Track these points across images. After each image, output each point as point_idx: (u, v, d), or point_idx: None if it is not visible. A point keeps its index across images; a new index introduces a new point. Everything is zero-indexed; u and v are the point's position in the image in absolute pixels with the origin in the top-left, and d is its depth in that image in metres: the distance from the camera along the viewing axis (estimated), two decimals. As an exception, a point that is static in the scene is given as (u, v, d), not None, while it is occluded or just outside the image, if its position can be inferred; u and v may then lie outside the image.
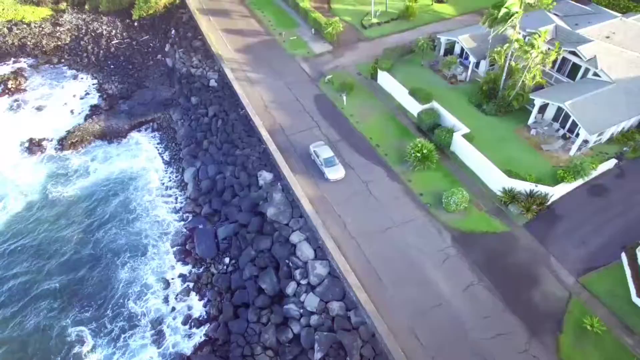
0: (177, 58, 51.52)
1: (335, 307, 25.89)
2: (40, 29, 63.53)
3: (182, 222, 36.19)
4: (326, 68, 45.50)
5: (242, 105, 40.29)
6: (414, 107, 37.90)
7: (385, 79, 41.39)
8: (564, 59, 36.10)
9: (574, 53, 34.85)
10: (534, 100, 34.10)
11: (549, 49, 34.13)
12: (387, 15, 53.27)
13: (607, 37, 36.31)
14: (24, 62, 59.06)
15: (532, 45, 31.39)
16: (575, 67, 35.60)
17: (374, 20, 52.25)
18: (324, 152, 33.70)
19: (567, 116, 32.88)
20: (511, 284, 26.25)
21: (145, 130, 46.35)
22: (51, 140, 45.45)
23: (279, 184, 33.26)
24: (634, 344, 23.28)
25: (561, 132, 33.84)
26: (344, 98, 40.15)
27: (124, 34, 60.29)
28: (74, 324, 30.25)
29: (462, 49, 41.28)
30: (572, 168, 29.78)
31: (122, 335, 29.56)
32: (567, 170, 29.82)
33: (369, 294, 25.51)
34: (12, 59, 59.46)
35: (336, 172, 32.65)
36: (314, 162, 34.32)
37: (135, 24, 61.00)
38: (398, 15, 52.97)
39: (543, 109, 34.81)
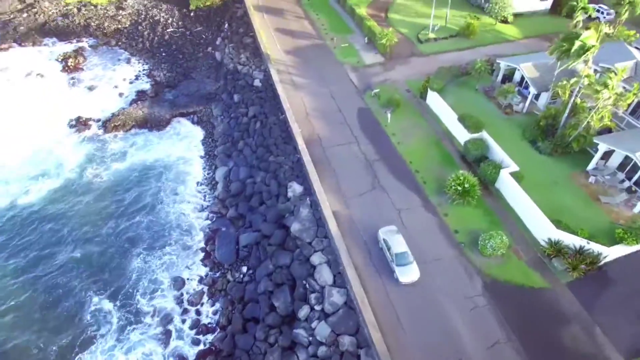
0: (226, 53, 51.43)
1: (347, 341, 24.26)
2: (105, 11, 65.75)
3: (207, 222, 35.74)
4: (374, 80, 43.70)
5: (282, 110, 39.33)
6: (461, 135, 35.42)
7: (434, 100, 39.06)
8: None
9: (652, 97, 31.24)
10: (597, 144, 30.82)
11: (625, 89, 30.68)
12: (445, 31, 50.67)
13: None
14: (86, 41, 61.28)
15: (605, 85, 28.20)
16: (652, 112, 31.97)
17: (431, 35, 49.79)
18: (397, 244, 26.77)
19: (635, 167, 29.43)
20: (544, 351, 23.54)
21: (186, 121, 46.46)
22: (97, 121, 46.55)
23: (307, 198, 31.96)
24: None
25: (626, 184, 30.34)
26: (389, 115, 38.24)
27: (180, 23, 61.11)
28: (81, 304, 30.45)
29: (523, 78, 38.26)
30: (636, 229, 26.44)
31: (128, 328, 29.34)
32: (629, 231, 26.49)
33: (384, 334, 23.69)
34: (76, 38, 61.89)
35: (409, 274, 25.82)
36: (348, 177, 32.78)
37: (192, 14, 61.75)
38: (457, 32, 50.24)
39: (607, 155, 31.41)
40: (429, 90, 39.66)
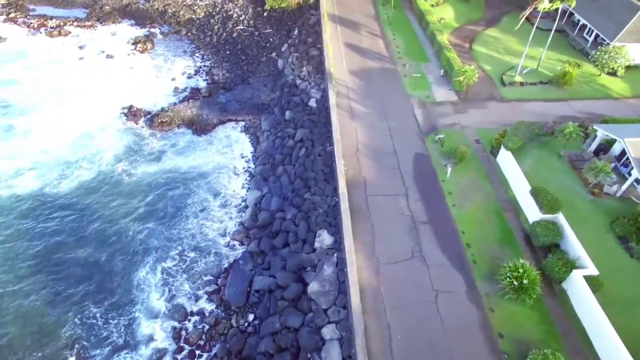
0: (289, 62, 48.58)
1: None
2: (184, -1, 65.78)
3: (226, 249, 33.12)
4: (441, 122, 38.62)
5: (331, 141, 35.65)
6: (531, 211, 29.58)
7: (506, 161, 33.34)
8: None
9: None
10: None
11: None
12: (535, 75, 44.08)
13: None
14: (158, 28, 61.57)
15: None
16: None
17: (518, 78, 43.49)
18: None
19: None
20: None
21: (233, 129, 44.26)
22: (146, 115, 45.77)
23: (335, 255, 28.10)
24: None
25: None
26: (449, 169, 33.20)
27: (251, 21, 59.27)
28: (77, 312, 29.05)
29: (624, 152, 31.44)
30: None
31: (119, 352, 27.42)
32: None
33: None
34: (151, 23, 62.46)
35: None
36: (386, 236, 28.45)
37: (265, 14, 59.66)
38: (550, 79, 43.45)
39: None
40: (502, 147, 33.97)
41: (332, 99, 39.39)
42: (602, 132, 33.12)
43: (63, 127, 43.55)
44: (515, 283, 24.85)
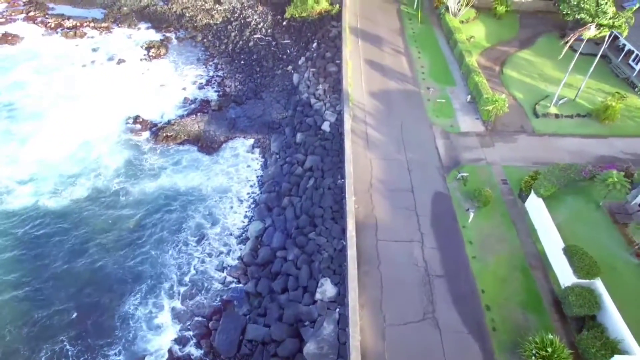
0: (304, 77, 45.77)
1: None
2: (203, 2, 63.70)
3: (220, 285, 30.52)
4: (465, 157, 35.19)
5: (343, 173, 32.68)
6: (564, 273, 26.00)
7: (536, 209, 29.72)
8: None
9: None
10: None
11: None
12: (573, 106, 40.14)
13: None
14: (174, 32, 59.66)
15: None
16: None
17: (553, 109, 39.64)
18: None
19: None
20: None
21: (240, 147, 41.61)
22: (151, 127, 43.61)
23: (337, 310, 25.14)
24: None
25: None
26: (471, 214, 29.82)
27: (269, 30, 56.66)
28: (47, 351, 26.83)
29: (676, 211, 27.53)
30: None
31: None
32: None
33: None
34: (166, 27, 60.56)
35: None
36: (395, 300, 25.34)
37: (284, 22, 57.00)
38: (588, 112, 39.46)
39: None
40: (532, 191, 30.36)
41: (347, 125, 36.34)
42: (651, 183, 29.24)
43: (64, 136, 41.81)
44: (541, 356, 21.48)
